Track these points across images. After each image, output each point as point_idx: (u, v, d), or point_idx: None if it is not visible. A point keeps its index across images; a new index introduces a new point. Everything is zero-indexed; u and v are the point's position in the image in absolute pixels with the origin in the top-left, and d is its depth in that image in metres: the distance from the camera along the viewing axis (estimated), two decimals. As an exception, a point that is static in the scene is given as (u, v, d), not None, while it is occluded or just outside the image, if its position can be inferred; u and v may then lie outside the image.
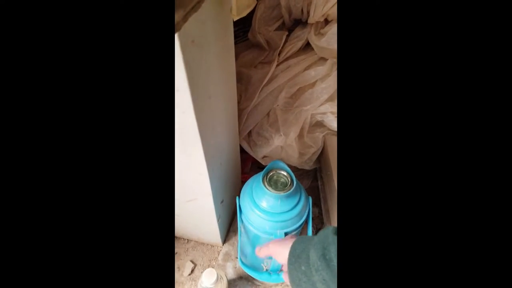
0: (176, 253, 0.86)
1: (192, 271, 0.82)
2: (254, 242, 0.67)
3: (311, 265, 0.34)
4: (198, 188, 0.66)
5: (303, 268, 0.35)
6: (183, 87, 0.39)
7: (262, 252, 0.49)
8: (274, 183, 0.63)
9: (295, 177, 0.63)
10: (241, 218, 0.67)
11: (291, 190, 0.60)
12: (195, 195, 0.69)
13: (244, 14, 0.52)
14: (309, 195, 0.68)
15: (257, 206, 0.62)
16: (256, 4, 0.96)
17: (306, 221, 0.64)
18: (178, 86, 0.39)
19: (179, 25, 0.28)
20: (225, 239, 0.88)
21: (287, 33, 0.97)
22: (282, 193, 0.59)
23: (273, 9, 0.96)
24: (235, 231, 0.90)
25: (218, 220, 0.77)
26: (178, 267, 0.83)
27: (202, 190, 0.65)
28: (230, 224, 0.91)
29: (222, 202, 0.77)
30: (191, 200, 0.71)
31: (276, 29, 0.97)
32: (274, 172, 0.65)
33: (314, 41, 0.90)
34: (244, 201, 0.65)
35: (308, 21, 0.92)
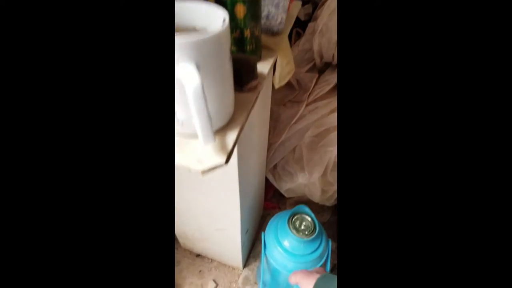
0: (200, 271, 0.96)
1: (214, 290, 0.91)
2: (275, 274, 0.75)
3: None
4: (228, 220, 0.75)
5: None
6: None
7: (292, 279, 0.57)
8: (298, 226, 0.71)
9: (317, 214, 0.72)
10: (265, 252, 0.75)
11: (314, 236, 0.67)
12: (224, 225, 0.78)
13: (284, 82, 0.62)
14: (328, 228, 0.76)
15: (281, 245, 0.70)
16: (291, 48, 1.06)
17: (325, 261, 0.72)
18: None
19: (243, 126, 0.38)
20: (245, 264, 0.97)
21: (317, 75, 1.06)
22: (305, 238, 0.67)
23: (306, 52, 1.06)
24: (255, 257, 0.99)
25: (242, 247, 0.86)
26: (202, 285, 0.92)
27: (232, 222, 0.75)
28: (250, 250, 1.00)
29: (247, 232, 0.86)
30: (220, 230, 0.81)
31: (307, 71, 1.07)
32: (299, 216, 0.73)
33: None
34: (269, 238, 0.74)
35: (338, 67, 1.01)
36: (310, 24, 1.03)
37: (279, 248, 0.70)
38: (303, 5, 1.11)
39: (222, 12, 0.32)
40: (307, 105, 1.03)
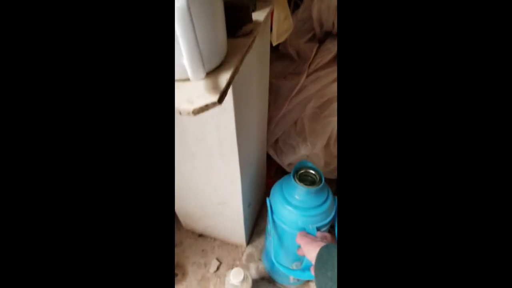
0: (203, 250, 0.94)
1: (218, 268, 0.90)
2: (283, 238, 0.73)
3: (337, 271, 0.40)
4: (229, 193, 0.73)
5: (329, 274, 0.41)
6: (229, 107, 0.46)
7: (298, 239, 0.58)
8: (303, 181, 0.69)
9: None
10: (272, 218, 0.72)
11: (321, 185, 0.66)
12: (225, 199, 0.76)
13: (283, 39, 0.58)
14: (333, 201, 0.73)
15: (289, 203, 0.68)
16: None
17: (332, 224, 0.70)
18: (226, 106, 0.46)
19: (237, 68, 0.35)
20: (249, 241, 0.95)
21: (317, 45, 1.02)
22: (312, 188, 0.65)
23: (304, 22, 1.02)
24: (258, 234, 0.97)
25: (244, 223, 0.84)
26: (205, 264, 0.91)
27: (233, 195, 0.73)
28: (254, 227, 0.98)
29: (249, 206, 0.84)
30: (222, 203, 0.78)
31: (307, 41, 1.03)
32: (304, 170, 0.71)
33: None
34: (275, 200, 0.72)
35: (339, 35, 0.97)
36: (308, -9, 0.98)
37: (287, 206, 0.69)
38: (300, -29, 1.07)
39: None
40: (308, 76, 1.00)
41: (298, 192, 0.68)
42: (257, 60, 0.54)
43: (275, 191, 0.74)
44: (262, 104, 0.76)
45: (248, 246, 0.94)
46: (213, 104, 0.30)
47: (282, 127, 0.99)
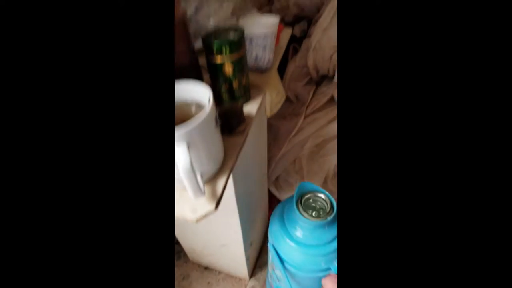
0: (209, 282, 1.02)
1: (223, 301, 0.97)
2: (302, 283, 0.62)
3: None
4: (230, 237, 0.80)
5: None
6: (229, 184, 0.54)
7: (327, 285, 0.50)
8: (309, 208, 0.57)
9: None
10: (281, 265, 0.61)
11: (333, 214, 0.54)
12: (227, 242, 0.84)
13: (276, 110, 0.66)
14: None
15: (289, 236, 0.57)
16: (288, 63, 1.10)
17: None
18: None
19: (232, 168, 0.43)
20: (251, 274, 1.02)
21: (314, 87, 1.10)
22: (320, 220, 0.53)
23: (302, 68, 1.09)
24: (261, 267, 1.04)
25: (246, 260, 0.91)
26: (211, 296, 0.98)
27: (234, 238, 0.80)
28: (256, 260, 1.05)
29: (250, 245, 0.92)
30: (224, 245, 0.86)
31: (305, 84, 1.11)
32: (310, 195, 0.59)
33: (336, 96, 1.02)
34: (275, 228, 0.60)
35: (334, 80, 1.04)
36: (305, 41, 1.06)
37: (287, 239, 0.57)
38: (298, 22, 1.15)
39: (207, 90, 0.37)
40: (305, 117, 1.07)
41: (302, 225, 0.54)
42: (253, 134, 0.61)
43: (274, 217, 0.64)
44: (262, 152, 0.83)
45: (251, 280, 1.01)
46: (212, 212, 0.38)
47: (281, 166, 1.07)
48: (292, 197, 0.59)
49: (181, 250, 1.06)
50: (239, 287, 1.00)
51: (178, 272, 1.05)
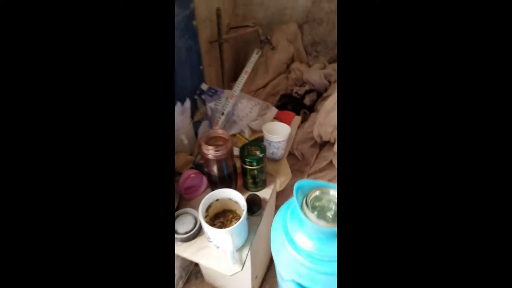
0: (219, 302, 1.27)
1: (229, 319, 1.22)
2: None
3: None
4: (241, 272, 1.06)
5: None
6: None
7: None
8: (317, 208, 0.48)
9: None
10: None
11: None
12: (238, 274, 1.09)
13: (283, 187, 0.92)
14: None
15: (292, 242, 0.50)
16: (298, 128, 1.37)
17: None
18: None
19: (253, 241, 0.69)
20: (254, 299, 1.27)
21: (318, 151, 1.36)
22: (331, 227, 0.43)
23: (309, 133, 1.36)
24: (262, 293, 1.29)
25: (251, 288, 1.16)
26: (220, 314, 1.23)
27: (244, 273, 1.05)
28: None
29: (256, 277, 1.17)
30: (235, 276, 1.11)
31: (310, 146, 1.37)
32: (318, 192, 0.49)
33: (334, 162, 1.28)
34: (275, 233, 0.58)
35: (333, 149, 1.30)
36: (312, 114, 1.33)
37: (288, 246, 0.49)
38: (308, 93, 1.42)
39: (244, 201, 0.64)
40: (308, 176, 1.33)
41: (306, 231, 0.46)
42: (266, 212, 0.88)
43: (277, 219, 0.57)
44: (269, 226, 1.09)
45: (253, 304, 1.26)
46: (239, 271, 0.64)
47: (285, 212, 1.32)
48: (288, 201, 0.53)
49: (199, 271, 1.31)
50: (243, 309, 1.25)
51: (195, 290, 1.31)
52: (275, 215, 0.61)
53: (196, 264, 1.35)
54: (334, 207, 0.48)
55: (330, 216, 0.47)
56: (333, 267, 0.45)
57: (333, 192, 0.50)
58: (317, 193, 0.50)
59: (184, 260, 1.25)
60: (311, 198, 0.49)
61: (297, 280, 0.48)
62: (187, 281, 1.32)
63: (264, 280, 1.33)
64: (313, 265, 0.46)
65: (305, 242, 0.47)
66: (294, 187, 0.50)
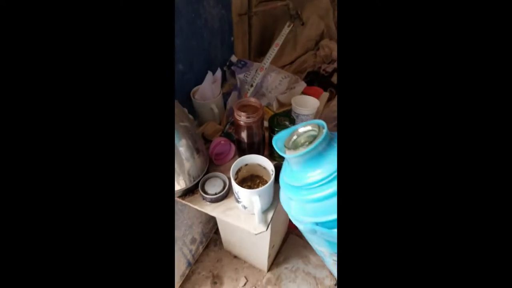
0: (236, 268, 1.34)
1: (245, 284, 1.29)
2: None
3: None
4: (260, 240, 1.11)
5: None
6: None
7: None
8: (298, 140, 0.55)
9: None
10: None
11: (323, 137, 0.45)
12: (257, 241, 1.14)
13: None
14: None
15: (285, 184, 0.60)
16: (323, 107, 1.37)
17: None
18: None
19: (276, 207, 0.73)
20: (269, 269, 1.33)
21: (341, 130, 1.37)
22: (303, 150, 0.45)
23: (333, 112, 1.36)
24: (277, 264, 1.35)
25: (268, 258, 1.22)
26: (236, 279, 1.31)
27: (263, 241, 1.11)
28: (275, 258, 1.36)
29: (273, 246, 1.22)
30: (254, 244, 1.17)
31: (334, 126, 1.37)
32: (295, 134, 0.56)
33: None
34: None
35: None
36: (339, 93, 1.33)
37: (286, 193, 0.58)
38: (337, 71, 1.41)
39: (272, 166, 0.67)
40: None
41: (289, 169, 0.54)
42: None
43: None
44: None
45: (268, 273, 1.32)
46: (264, 231, 0.68)
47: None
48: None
49: (218, 239, 1.39)
50: (259, 277, 1.32)
51: (214, 256, 1.38)
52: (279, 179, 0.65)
53: (216, 232, 1.42)
54: (303, 140, 0.54)
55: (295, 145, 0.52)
56: (319, 191, 0.47)
57: (301, 129, 0.56)
58: (294, 137, 0.56)
59: (205, 227, 1.32)
60: (289, 143, 0.56)
61: (308, 221, 0.49)
62: (206, 247, 1.40)
63: (279, 252, 1.39)
64: (303, 196, 0.49)
65: (288, 179, 0.54)
66: (273, 140, 0.57)
